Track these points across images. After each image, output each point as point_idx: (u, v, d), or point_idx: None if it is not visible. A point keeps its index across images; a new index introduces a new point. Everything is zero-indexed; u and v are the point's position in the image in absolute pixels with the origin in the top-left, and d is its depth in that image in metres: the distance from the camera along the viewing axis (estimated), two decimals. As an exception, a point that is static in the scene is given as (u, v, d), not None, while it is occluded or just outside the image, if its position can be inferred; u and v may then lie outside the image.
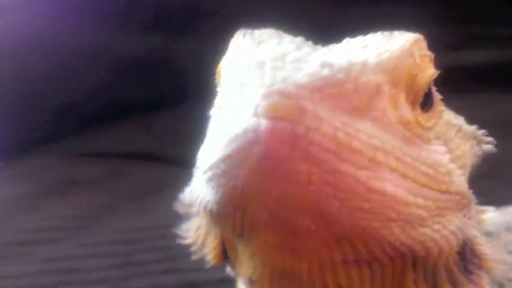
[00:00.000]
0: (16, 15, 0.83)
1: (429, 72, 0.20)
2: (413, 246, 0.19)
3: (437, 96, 0.21)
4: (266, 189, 0.16)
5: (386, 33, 0.20)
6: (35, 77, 0.82)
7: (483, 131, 0.25)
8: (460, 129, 0.22)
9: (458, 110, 0.26)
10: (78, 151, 0.75)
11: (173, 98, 0.80)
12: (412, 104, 0.19)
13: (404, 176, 0.18)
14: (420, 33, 0.21)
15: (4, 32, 0.83)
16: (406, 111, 0.19)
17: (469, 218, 0.21)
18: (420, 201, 0.18)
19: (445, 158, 0.20)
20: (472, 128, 0.24)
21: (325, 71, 0.17)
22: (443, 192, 0.19)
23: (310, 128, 0.16)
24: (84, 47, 0.80)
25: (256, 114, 0.16)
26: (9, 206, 0.69)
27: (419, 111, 0.20)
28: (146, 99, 0.82)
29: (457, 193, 0.20)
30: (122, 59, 0.84)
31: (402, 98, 0.19)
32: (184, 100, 0.78)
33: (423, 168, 0.19)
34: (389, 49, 0.19)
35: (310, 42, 0.20)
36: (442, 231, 0.19)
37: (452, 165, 0.21)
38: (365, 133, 0.17)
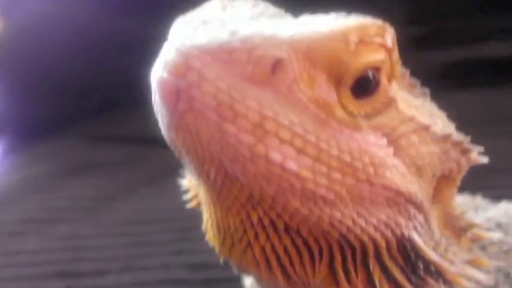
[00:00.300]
0: (40, 1, 0.85)
1: (367, 59, 0.19)
2: (322, 224, 0.19)
3: (387, 87, 0.20)
4: (170, 133, 0.19)
5: (340, 15, 0.19)
6: (56, 61, 0.84)
7: (467, 139, 0.23)
8: (426, 129, 0.21)
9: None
10: (97, 134, 0.76)
11: None
12: (337, 87, 0.19)
13: (301, 152, 0.18)
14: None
15: (29, 17, 0.84)
16: (326, 92, 0.19)
17: (409, 219, 0.20)
18: (322, 180, 0.18)
19: (381, 150, 0.19)
20: (455, 135, 0.22)
21: (225, 37, 0.17)
22: (361, 182, 0.19)
23: (191, 84, 0.17)
24: (106, 32, 0.81)
25: (162, 68, 0.18)
26: (29, 185, 0.71)
27: (348, 96, 0.19)
28: None
29: (387, 188, 0.19)
30: (143, 45, 0.85)
31: (322, 79, 0.18)
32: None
33: (333, 151, 0.18)
34: (315, 30, 0.18)
35: (286, 15, 0.20)
36: (359, 221, 0.19)
37: (392, 160, 0.20)
38: (254, 101, 0.17)
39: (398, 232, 0.20)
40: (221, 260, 0.23)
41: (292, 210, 0.19)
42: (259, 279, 0.22)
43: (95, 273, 0.47)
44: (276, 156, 0.18)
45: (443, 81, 0.86)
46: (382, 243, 0.20)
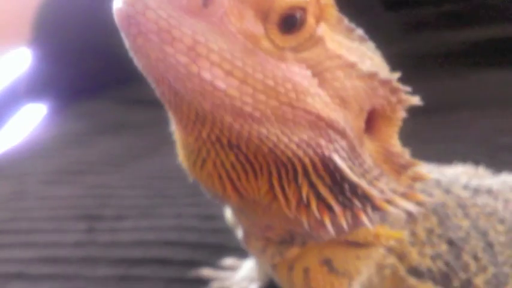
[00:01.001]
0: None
1: (289, 1, 0.21)
2: (253, 139, 0.21)
3: (313, 26, 0.22)
4: (134, 57, 0.21)
5: None
6: (96, 29, 0.88)
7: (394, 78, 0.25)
8: (352, 66, 0.22)
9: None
10: (129, 98, 0.79)
11: None
12: (265, 22, 0.21)
13: (229, 74, 0.20)
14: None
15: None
16: (253, 26, 0.21)
17: (329, 142, 0.22)
18: (248, 100, 0.21)
19: (304, 80, 0.21)
20: (382, 74, 0.24)
21: None
22: (284, 104, 0.21)
23: (138, 11, 0.20)
24: None
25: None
26: (66, 140, 0.76)
27: (275, 31, 0.21)
28: None
29: (308, 112, 0.21)
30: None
31: (250, 14, 0.21)
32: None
33: (258, 75, 0.21)
34: None
35: None
36: (283, 137, 0.21)
37: (315, 89, 0.22)
38: (189, 28, 0.20)
39: (319, 152, 0.22)
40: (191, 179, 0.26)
41: (228, 125, 0.21)
42: (223, 200, 0.24)
43: (115, 218, 0.51)
44: (206, 75, 0.20)
45: (476, 57, 0.85)
46: (306, 161, 0.22)
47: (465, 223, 0.31)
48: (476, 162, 0.55)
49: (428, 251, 0.28)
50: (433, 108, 0.74)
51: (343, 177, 0.22)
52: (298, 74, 0.21)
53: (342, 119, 0.22)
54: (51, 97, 0.92)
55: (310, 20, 0.21)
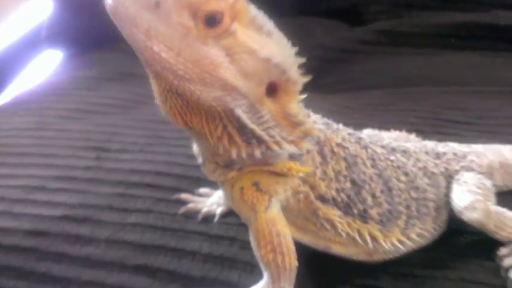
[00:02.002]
0: None
1: (211, 7, 0.31)
2: (186, 92, 0.32)
3: (228, 24, 0.31)
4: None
5: None
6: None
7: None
8: (253, 52, 0.32)
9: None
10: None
11: None
12: (194, 19, 0.31)
13: (169, 49, 0.31)
14: None
15: None
16: (187, 20, 0.31)
17: (234, 100, 0.33)
18: (181, 66, 0.31)
19: (219, 58, 0.32)
20: (276, 59, 0.33)
21: None
22: (204, 72, 0.32)
23: (117, 6, 0.30)
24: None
25: None
26: (80, 84, 0.86)
27: (201, 25, 0.31)
28: None
29: (220, 79, 0.32)
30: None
31: (185, 13, 0.31)
32: None
33: (188, 51, 0.31)
34: None
35: None
36: (203, 93, 0.32)
37: (226, 65, 0.32)
38: (146, 19, 0.30)
39: (226, 105, 0.33)
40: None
41: (171, 81, 0.32)
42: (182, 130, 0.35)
43: (118, 151, 0.62)
44: (155, 49, 0.30)
45: (447, 40, 0.93)
46: (219, 109, 0.33)
47: (370, 171, 0.42)
48: (421, 132, 0.66)
49: (334, 185, 0.39)
50: (400, 81, 0.85)
51: (243, 123, 0.34)
52: (215, 54, 0.32)
53: (244, 86, 0.33)
54: (68, 45, 1.02)
55: (226, 20, 0.31)
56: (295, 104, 0.35)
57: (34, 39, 1.09)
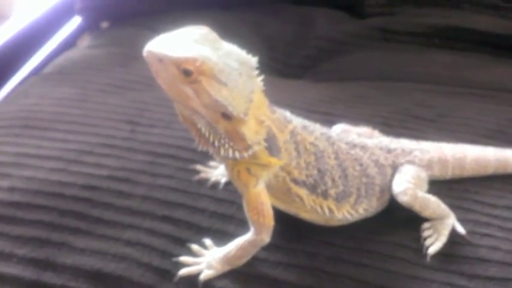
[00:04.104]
0: None
1: (185, 67, 0.47)
2: (176, 106, 0.51)
3: (197, 75, 0.47)
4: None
5: (191, 49, 0.48)
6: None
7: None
8: (209, 94, 0.48)
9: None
10: (163, 28, 1.04)
11: None
12: (178, 70, 0.47)
13: (166, 84, 0.49)
14: None
15: None
16: (175, 71, 0.47)
17: (198, 118, 0.51)
18: (171, 94, 0.50)
19: (190, 94, 0.48)
20: (224, 102, 0.48)
21: (158, 51, 0.47)
22: (183, 101, 0.49)
23: (149, 56, 0.48)
24: None
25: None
26: (112, 59, 0.97)
27: (182, 74, 0.47)
28: None
29: (191, 107, 0.50)
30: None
31: (174, 66, 0.47)
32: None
33: (175, 88, 0.48)
34: (178, 55, 0.47)
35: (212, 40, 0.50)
36: (182, 110, 0.51)
37: (195, 98, 0.48)
38: (156, 66, 0.48)
39: (194, 121, 0.51)
40: None
41: (175, 103, 0.51)
42: None
43: (148, 125, 0.75)
44: (160, 82, 0.49)
45: (436, 40, 1.06)
46: (192, 122, 0.52)
47: (333, 162, 0.58)
48: (389, 125, 0.82)
49: (305, 172, 0.56)
50: (384, 75, 0.98)
51: (203, 133, 0.50)
52: (188, 91, 0.48)
53: (203, 111, 0.49)
54: (101, 18, 1.15)
55: (195, 74, 0.47)
56: (245, 125, 0.51)
57: (68, 9, 1.21)
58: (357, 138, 0.64)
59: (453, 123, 0.83)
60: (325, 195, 0.58)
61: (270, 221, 0.55)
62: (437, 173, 0.68)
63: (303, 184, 0.57)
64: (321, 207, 0.58)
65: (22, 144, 0.74)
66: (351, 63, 1.03)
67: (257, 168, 0.54)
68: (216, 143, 0.51)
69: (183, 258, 0.58)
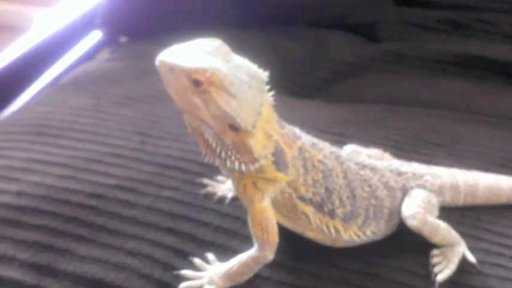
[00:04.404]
0: None
1: (195, 77, 0.47)
2: (185, 116, 0.51)
3: (207, 85, 0.47)
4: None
5: (202, 59, 0.48)
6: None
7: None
8: (218, 105, 0.48)
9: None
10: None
11: None
12: (189, 80, 0.48)
13: (177, 94, 0.50)
14: None
15: None
16: (186, 82, 0.48)
17: (206, 128, 0.51)
18: (181, 104, 0.50)
19: (199, 104, 0.49)
20: (229, 115, 0.49)
21: (172, 60, 0.48)
22: (192, 111, 0.50)
23: (161, 66, 0.49)
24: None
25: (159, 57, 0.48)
26: (129, 72, 0.98)
27: (192, 84, 0.48)
28: None
29: (197, 116, 0.50)
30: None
31: (185, 76, 0.47)
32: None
33: (185, 98, 0.49)
34: (189, 66, 0.47)
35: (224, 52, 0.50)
36: (190, 120, 0.51)
37: (203, 108, 0.49)
38: (167, 75, 0.48)
39: (201, 131, 0.51)
40: None
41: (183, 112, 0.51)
42: None
43: (157, 137, 0.76)
44: (171, 91, 0.50)
45: (453, 67, 1.06)
46: (199, 133, 0.52)
47: (341, 181, 0.57)
48: (400, 149, 0.81)
49: (312, 190, 0.55)
50: (397, 100, 0.98)
51: (210, 143, 0.51)
52: (198, 102, 0.48)
53: (211, 122, 0.49)
54: (120, 33, 1.18)
55: (205, 84, 0.48)
56: (253, 138, 0.51)
57: (87, 23, 1.24)
58: (367, 159, 0.63)
59: (465, 149, 0.82)
60: (332, 214, 0.57)
61: (274, 237, 0.54)
62: (449, 199, 0.66)
63: (310, 202, 0.56)
64: (327, 226, 0.57)
65: (33, 150, 0.75)
66: (364, 85, 1.04)
67: (263, 182, 0.53)
68: (223, 155, 0.51)
69: (185, 272, 0.57)
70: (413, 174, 0.64)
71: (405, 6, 1.23)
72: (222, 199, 0.65)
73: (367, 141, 0.74)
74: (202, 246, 0.60)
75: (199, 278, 0.56)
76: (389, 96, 1.00)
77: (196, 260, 0.58)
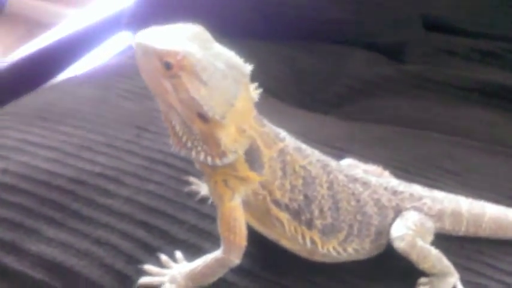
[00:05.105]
0: None
1: (166, 60, 0.45)
2: (161, 105, 0.49)
3: (178, 69, 0.45)
4: None
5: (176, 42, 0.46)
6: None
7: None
8: (188, 91, 0.46)
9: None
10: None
11: None
12: (161, 63, 0.45)
13: (147, 76, 0.48)
14: None
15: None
16: (158, 64, 0.45)
17: (173, 115, 0.48)
18: (151, 86, 0.48)
19: (168, 89, 0.46)
20: (200, 101, 0.46)
21: (147, 43, 0.46)
22: (161, 94, 0.48)
23: (136, 49, 0.46)
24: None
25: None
26: (136, 69, 1.03)
27: (163, 67, 0.45)
28: None
29: (166, 101, 0.48)
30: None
31: (156, 60, 0.45)
32: None
33: (155, 81, 0.47)
34: (161, 48, 0.45)
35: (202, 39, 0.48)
36: (160, 104, 0.49)
37: (172, 93, 0.46)
38: (140, 59, 0.46)
39: (169, 117, 0.49)
40: None
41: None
42: None
43: (155, 133, 0.75)
44: (143, 75, 0.48)
45: (481, 97, 1.00)
46: (167, 118, 0.50)
47: (325, 191, 0.53)
48: (406, 171, 0.76)
49: (288, 195, 0.51)
50: (412, 123, 0.93)
51: (176, 131, 0.48)
52: (168, 86, 0.46)
53: (180, 108, 0.47)
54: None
55: (175, 68, 0.45)
56: (222, 130, 0.48)
57: (114, 23, 1.26)
58: (361, 173, 0.59)
59: (479, 179, 0.76)
60: (309, 224, 0.53)
61: (241, 240, 0.50)
62: (449, 226, 0.61)
63: (286, 208, 0.52)
64: (303, 237, 0.53)
65: (30, 132, 0.75)
66: (380, 106, 0.99)
67: (235, 181, 0.50)
68: (189, 144, 0.48)
69: (147, 267, 0.54)
70: (411, 195, 0.59)
71: (436, 31, 1.18)
72: (204, 199, 0.63)
73: (370, 159, 0.70)
74: (173, 243, 0.57)
75: (162, 275, 0.53)
76: (405, 119, 0.94)
77: (163, 257, 0.55)
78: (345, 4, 1.11)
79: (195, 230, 0.59)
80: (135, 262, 0.55)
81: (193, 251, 0.56)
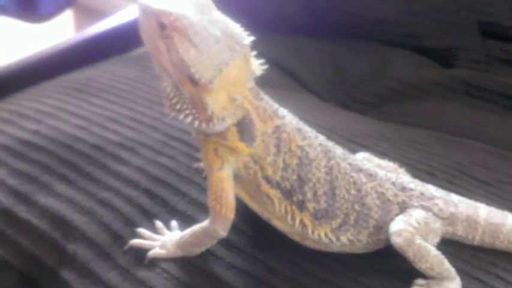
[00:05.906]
0: None
1: (160, 20, 0.46)
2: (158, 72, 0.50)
3: (171, 30, 0.46)
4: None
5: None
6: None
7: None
8: (178, 51, 0.46)
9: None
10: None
11: None
12: (157, 23, 0.46)
13: (145, 36, 0.48)
14: None
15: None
16: (154, 24, 0.46)
17: (165, 77, 0.49)
18: (148, 46, 0.48)
19: (162, 49, 0.47)
20: (190, 68, 0.46)
21: (145, 3, 0.47)
22: (155, 55, 0.48)
23: (140, 15, 0.47)
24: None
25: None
26: None
27: (158, 28, 0.46)
28: None
29: (159, 61, 0.48)
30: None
31: (153, 20, 0.46)
32: None
33: (151, 41, 0.47)
34: (158, 9, 0.47)
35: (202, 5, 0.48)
36: (154, 65, 0.49)
37: (166, 53, 0.47)
38: (139, 18, 0.47)
39: (161, 78, 0.50)
40: None
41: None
42: None
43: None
44: (141, 35, 0.49)
45: None
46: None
47: (322, 175, 0.52)
48: (432, 175, 0.71)
49: (280, 173, 0.50)
50: (451, 129, 0.88)
51: (168, 93, 0.49)
52: (161, 46, 0.47)
53: (171, 70, 0.47)
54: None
55: (169, 28, 0.46)
56: (210, 95, 0.48)
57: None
58: (368, 165, 0.57)
59: (510, 191, 0.70)
60: (301, 206, 0.52)
61: (228, 212, 0.50)
62: (462, 233, 0.57)
63: (277, 186, 0.51)
64: (293, 218, 0.52)
65: (64, 101, 0.80)
66: (420, 110, 0.95)
67: (225, 150, 0.50)
68: (178, 106, 0.49)
69: (141, 230, 0.55)
70: (421, 193, 0.56)
71: (493, 39, 1.11)
72: (210, 176, 0.63)
73: (395, 159, 0.67)
74: (171, 213, 0.59)
75: (154, 240, 0.54)
76: (445, 125, 0.89)
77: (158, 223, 0.57)
78: (395, 3, 1.08)
79: (195, 203, 0.60)
80: (131, 225, 0.56)
81: (189, 222, 0.57)
